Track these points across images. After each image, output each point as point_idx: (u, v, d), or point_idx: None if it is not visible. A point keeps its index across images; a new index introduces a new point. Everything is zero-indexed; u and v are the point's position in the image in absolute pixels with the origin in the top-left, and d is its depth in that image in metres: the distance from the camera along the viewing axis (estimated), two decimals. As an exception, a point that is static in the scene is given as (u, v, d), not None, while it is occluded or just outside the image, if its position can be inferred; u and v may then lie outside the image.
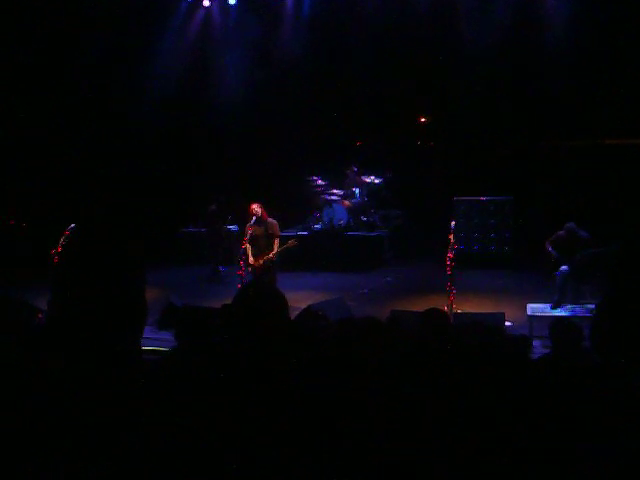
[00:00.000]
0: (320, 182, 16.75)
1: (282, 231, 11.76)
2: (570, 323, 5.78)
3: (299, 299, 10.48)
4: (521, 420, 2.09)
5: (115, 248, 2.06)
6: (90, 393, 1.80)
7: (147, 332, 2.07)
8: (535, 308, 10.32)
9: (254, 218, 10.87)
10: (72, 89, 16.39)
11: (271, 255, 10.91)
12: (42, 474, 1.72)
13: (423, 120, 19.44)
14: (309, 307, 8.02)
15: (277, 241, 11.05)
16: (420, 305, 8.67)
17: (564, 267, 10.46)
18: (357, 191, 16.62)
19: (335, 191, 16.51)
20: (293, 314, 5.78)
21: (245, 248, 10.95)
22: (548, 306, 10.38)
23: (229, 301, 2.80)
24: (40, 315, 3.57)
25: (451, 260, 10.13)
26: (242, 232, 11.44)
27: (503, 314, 9.58)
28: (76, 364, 1.95)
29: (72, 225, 10.21)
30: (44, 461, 1.74)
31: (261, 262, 10.93)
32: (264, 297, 2.61)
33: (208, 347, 2.39)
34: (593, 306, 9.70)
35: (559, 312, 10.14)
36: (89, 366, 1.89)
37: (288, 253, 11.42)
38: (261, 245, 10.99)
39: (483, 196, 15.72)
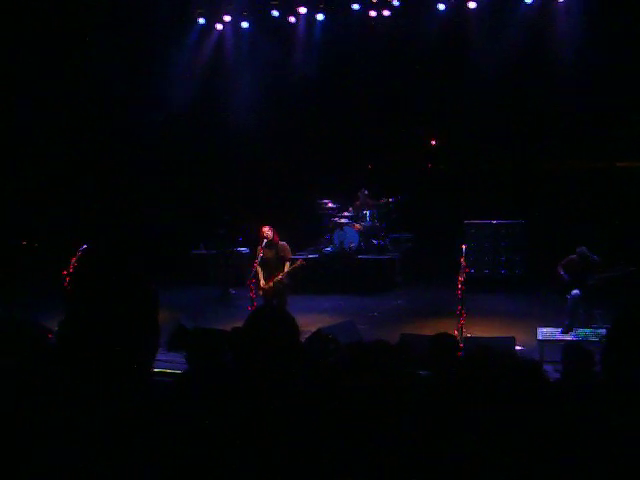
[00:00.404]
0: (331, 205, 16.77)
1: (293, 254, 11.77)
2: (582, 348, 5.75)
3: (309, 322, 10.46)
4: (532, 445, 2.08)
5: (127, 270, 2.08)
6: (100, 414, 1.80)
7: (158, 353, 2.08)
8: (546, 332, 10.25)
9: (265, 241, 10.89)
10: (85, 111, 16.55)
11: (280, 277, 10.91)
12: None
13: (434, 143, 19.49)
14: (319, 330, 7.99)
15: (288, 264, 11.06)
16: (430, 329, 8.64)
17: (575, 291, 10.41)
18: (368, 214, 16.63)
19: (346, 214, 16.52)
20: (303, 337, 5.77)
21: (256, 270, 10.97)
22: (559, 330, 10.31)
23: (239, 323, 2.81)
24: (50, 335, 3.59)
25: (462, 283, 10.10)
26: (253, 254, 11.47)
27: (513, 338, 9.52)
28: (87, 385, 1.96)
29: (84, 246, 10.28)
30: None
31: (271, 284, 10.94)
32: (274, 320, 2.62)
33: (219, 370, 2.39)
34: (604, 331, 9.64)
35: (570, 337, 10.07)
36: (100, 387, 1.90)
37: (299, 276, 11.43)
38: (272, 268, 11.00)
39: (494, 219, 15.70)
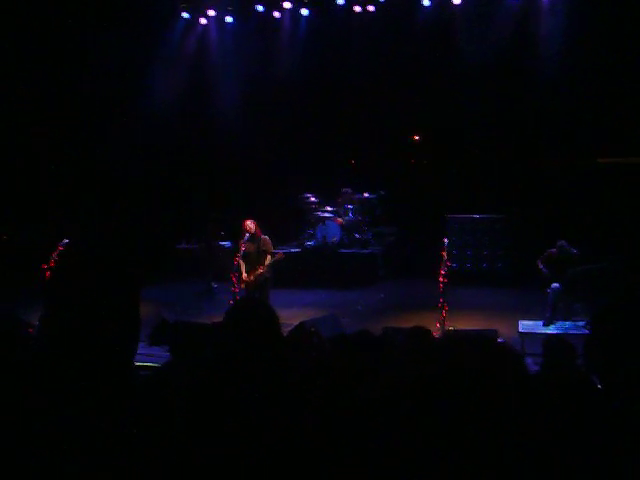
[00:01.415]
0: (313, 199, 16.76)
1: (275, 248, 11.77)
2: (562, 341, 5.80)
3: (292, 316, 10.47)
4: (512, 437, 2.09)
5: (109, 263, 2.07)
6: (83, 408, 1.80)
7: (139, 347, 2.08)
8: (527, 325, 10.34)
9: (247, 235, 10.88)
10: (69, 105, 16.42)
11: (261, 270, 10.91)
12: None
13: (417, 138, 19.52)
14: (302, 323, 8.01)
15: (269, 257, 11.06)
16: (413, 322, 8.63)
17: (555, 284, 10.50)
18: (350, 208, 16.64)
19: (328, 208, 16.52)
20: (286, 331, 5.78)
21: (238, 264, 10.96)
22: (540, 323, 10.40)
23: (222, 317, 2.81)
24: (31, 330, 3.57)
25: (443, 277, 10.15)
26: (235, 248, 11.46)
27: (495, 331, 9.60)
28: (68, 379, 1.95)
29: (65, 240, 10.21)
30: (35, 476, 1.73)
31: (252, 278, 10.93)
32: (254, 313, 2.62)
33: (201, 363, 2.39)
34: (584, 323, 9.74)
35: (551, 329, 10.16)
36: (82, 381, 1.89)
37: (281, 269, 11.43)
38: (253, 261, 11.00)
39: (476, 214, 15.78)
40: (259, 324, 2.56)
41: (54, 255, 10.07)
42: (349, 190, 16.80)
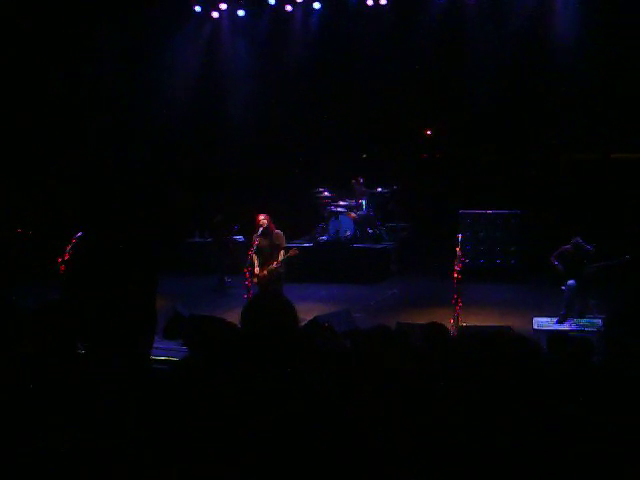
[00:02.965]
0: (327, 194, 16.74)
1: (288, 242, 11.75)
2: (568, 338, 5.75)
3: (305, 311, 10.44)
4: (524, 431, 2.08)
5: (124, 255, 2.06)
6: (101, 400, 1.79)
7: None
8: (541, 322, 10.29)
9: (260, 229, 10.86)
10: (80, 97, 16.47)
11: (274, 265, 10.90)
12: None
13: (429, 133, 19.46)
14: (315, 319, 8.00)
15: (282, 252, 11.04)
16: (426, 318, 8.63)
17: (571, 281, 10.44)
18: (364, 203, 16.60)
19: (342, 203, 16.49)
20: (299, 325, 5.76)
21: (251, 259, 10.95)
22: (554, 320, 10.34)
23: (235, 312, 2.80)
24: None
25: (458, 273, 10.10)
26: (248, 243, 11.45)
27: (509, 328, 9.54)
28: (86, 370, 1.95)
29: (79, 233, 10.24)
30: (47, 466, 1.73)
31: (265, 273, 10.92)
32: (274, 306, 2.61)
33: (218, 356, 2.39)
34: (600, 321, 9.68)
35: (565, 326, 10.10)
36: (99, 373, 1.89)
37: (293, 264, 11.41)
38: (266, 256, 10.98)
39: (490, 209, 15.71)
40: (279, 317, 2.55)
41: (68, 248, 10.11)
42: (361, 180, 16.75)
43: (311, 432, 2.01)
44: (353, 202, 16.59)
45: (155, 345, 2.12)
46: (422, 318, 9.66)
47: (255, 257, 10.98)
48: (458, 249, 10.48)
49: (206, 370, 2.16)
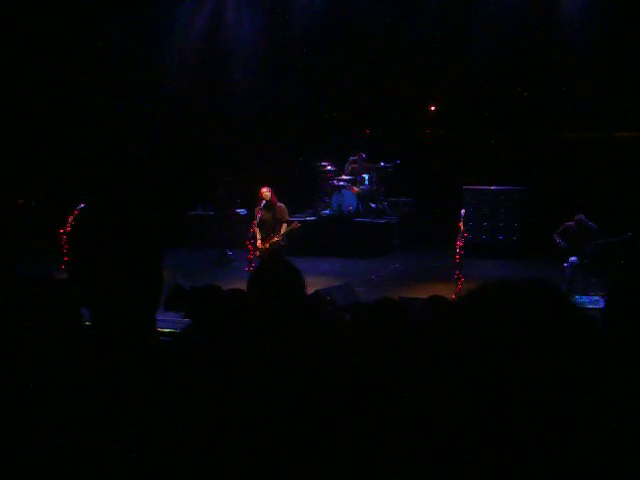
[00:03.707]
0: (330, 168, 16.69)
1: (291, 216, 11.75)
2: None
3: (307, 284, 10.45)
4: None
5: (127, 226, 2.05)
6: (104, 372, 1.79)
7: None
8: (543, 299, 10.28)
9: (263, 202, 10.86)
10: (80, 77, 16.41)
11: (276, 238, 10.91)
12: (44, 454, 1.71)
13: (433, 108, 19.35)
14: (317, 292, 8.02)
15: (285, 225, 11.04)
16: (427, 293, 8.63)
17: (573, 258, 10.43)
18: (367, 177, 16.56)
19: (344, 177, 16.44)
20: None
21: (254, 232, 10.96)
22: (556, 297, 10.33)
23: (237, 284, 2.80)
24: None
25: (460, 248, 10.10)
26: (251, 216, 11.45)
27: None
28: (90, 340, 1.94)
29: (81, 205, 10.22)
30: (49, 440, 1.73)
31: (267, 245, 10.93)
32: (283, 271, 2.61)
33: (223, 325, 2.38)
34: (601, 299, 9.69)
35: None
36: (105, 344, 1.88)
37: (296, 238, 11.42)
38: (269, 229, 11.00)
39: (493, 185, 15.67)
40: (286, 283, 2.55)
41: (70, 220, 10.10)
42: (364, 155, 16.70)
43: (320, 407, 2.00)
44: (356, 177, 16.53)
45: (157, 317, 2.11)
46: (424, 293, 9.65)
47: (257, 230, 10.99)
48: (461, 225, 10.48)
49: (210, 340, 2.16)
